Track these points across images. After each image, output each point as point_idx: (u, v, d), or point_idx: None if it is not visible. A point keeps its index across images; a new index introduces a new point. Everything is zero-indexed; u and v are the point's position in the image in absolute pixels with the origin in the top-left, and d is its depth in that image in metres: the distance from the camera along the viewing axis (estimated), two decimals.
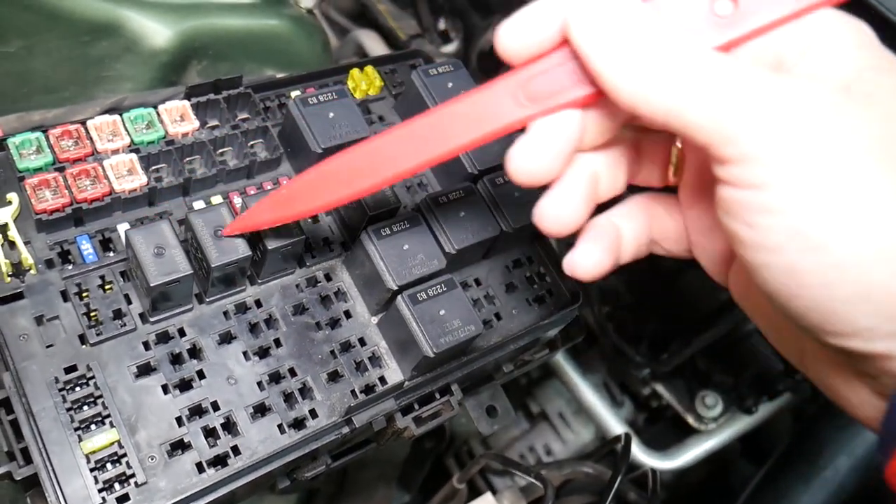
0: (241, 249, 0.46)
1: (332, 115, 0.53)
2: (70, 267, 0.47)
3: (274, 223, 0.44)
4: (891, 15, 0.55)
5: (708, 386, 0.88)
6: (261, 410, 0.47)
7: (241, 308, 0.49)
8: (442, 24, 1.04)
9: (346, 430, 0.48)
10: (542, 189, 0.37)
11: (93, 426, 0.43)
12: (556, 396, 1.04)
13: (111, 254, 0.48)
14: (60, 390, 0.43)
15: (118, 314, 0.46)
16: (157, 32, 0.64)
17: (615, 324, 0.90)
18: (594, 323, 0.89)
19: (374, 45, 1.04)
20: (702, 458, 0.92)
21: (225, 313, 0.49)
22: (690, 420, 0.89)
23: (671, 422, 1.01)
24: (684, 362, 0.85)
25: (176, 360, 0.46)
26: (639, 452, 0.90)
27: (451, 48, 1.03)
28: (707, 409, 0.87)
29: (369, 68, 0.62)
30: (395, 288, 0.49)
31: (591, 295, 0.89)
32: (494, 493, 0.73)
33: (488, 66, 0.97)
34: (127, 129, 0.50)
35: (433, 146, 0.36)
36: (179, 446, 0.44)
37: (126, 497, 0.42)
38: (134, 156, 0.49)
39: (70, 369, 0.44)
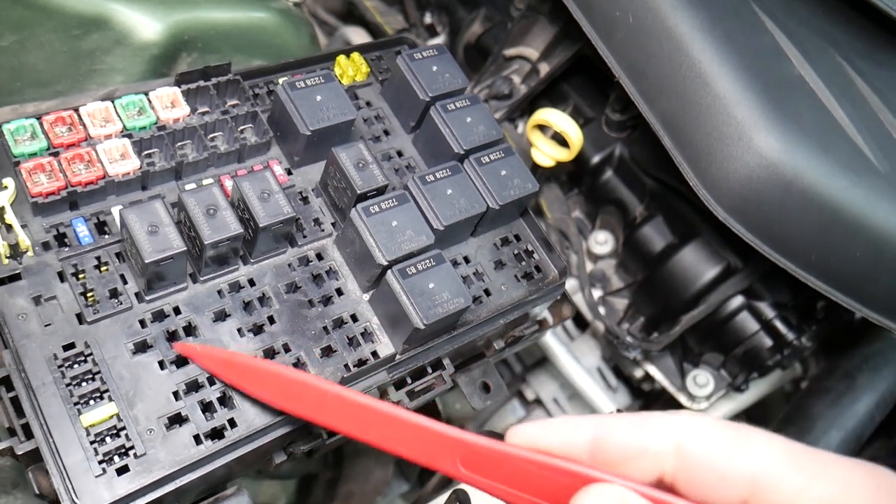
0: (234, 227, 0.47)
1: (319, 98, 0.54)
2: (66, 249, 0.48)
3: (214, 373, 0.46)
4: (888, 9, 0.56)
5: (699, 365, 0.89)
6: None
7: (235, 287, 0.50)
8: (428, 19, 1.05)
9: None
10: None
11: (92, 401, 0.44)
12: (551, 382, 1.05)
13: (106, 236, 0.49)
14: (59, 367, 0.44)
15: (114, 293, 0.47)
16: (147, 26, 0.65)
17: (606, 307, 0.91)
18: (586, 307, 0.91)
19: (362, 41, 1.06)
20: None
21: (219, 292, 0.50)
22: (683, 399, 0.90)
23: (665, 406, 1.02)
24: (675, 342, 0.86)
25: (171, 337, 0.47)
26: None
27: (437, 42, 1.04)
28: (699, 387, 0.87)
29: (356, 55, 0.63)
30: (385, 263, 0.50)
31: (583, 280, 0.91)
32: None
33: (474, 59, 0.98)
34: (119, 115, 0.51)
35: (364, 431, 0.39)
36: (177, 420, 0.45)
37: (126, 468, 0.43)
38: (127, 141, 0.51)
39: (68, 346, 0.45)
